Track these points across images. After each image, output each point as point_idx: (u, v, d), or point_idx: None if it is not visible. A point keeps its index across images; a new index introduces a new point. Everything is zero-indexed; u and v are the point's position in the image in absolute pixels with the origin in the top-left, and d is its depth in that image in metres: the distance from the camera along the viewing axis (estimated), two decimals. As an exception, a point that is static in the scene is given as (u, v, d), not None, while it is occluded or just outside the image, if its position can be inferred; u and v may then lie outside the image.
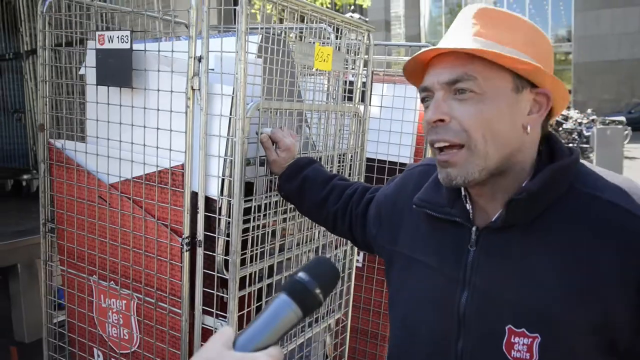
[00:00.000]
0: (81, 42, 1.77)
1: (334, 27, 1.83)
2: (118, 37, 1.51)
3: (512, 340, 0.87)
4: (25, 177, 3.88)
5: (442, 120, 0.90)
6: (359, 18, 1.96)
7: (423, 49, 0.94)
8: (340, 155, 1.89)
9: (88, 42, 1.66)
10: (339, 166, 1.89)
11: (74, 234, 1.76)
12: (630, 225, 0.83)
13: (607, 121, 13.35)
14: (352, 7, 14.01)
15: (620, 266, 0.82)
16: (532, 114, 0.92)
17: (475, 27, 0.92)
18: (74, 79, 1.75)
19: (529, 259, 0.88)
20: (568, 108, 19.52)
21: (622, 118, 15.29)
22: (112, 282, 1.69)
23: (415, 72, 1.00)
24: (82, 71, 1.71)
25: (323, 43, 1.89)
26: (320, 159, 1.77)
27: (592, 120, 14.04)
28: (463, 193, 0.99)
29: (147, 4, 3.39)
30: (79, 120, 1.74)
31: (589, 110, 15.54)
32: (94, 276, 1.73)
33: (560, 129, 13.98)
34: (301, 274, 0.77)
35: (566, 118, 14.35)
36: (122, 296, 1.67)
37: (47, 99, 1.77)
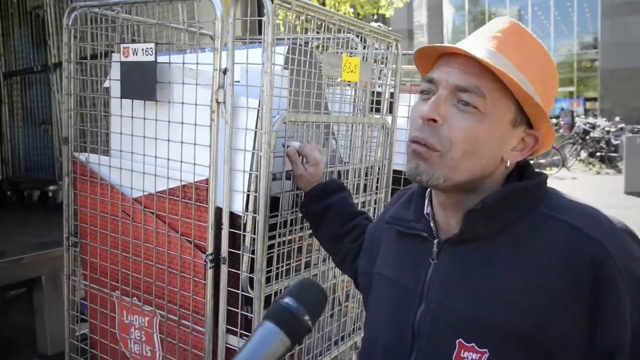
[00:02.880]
0: (107, 55, 1.76)
1: (361, 37, 1.79)
2: (142, 50, 1.49)
3: (461, 354, 0.86)
4: (51, 188, 3.90)
5: (434, 121, 0.87)
6: (379, 26, 1.92)
7: (454, 44, 0.90)
8: (367, 168, 1.84)
9: (113, 54, 1.65)
10: (365, 179, 1.84)
11: (97, 248, 1.73)
12: (582, 244, 0.82)
13: (636, 129, 13.03)
14: (375, 17, 13.99)
15: (572, 286, 0.81)
16: (515, 151, 0.92)
17: (502, 41, 0.90)
18: (99, 92, 1.74)
19: (485, 274, 0.87)
20: (595, 116, 19.18)
21: (653, 126, 14.90)
22: (134, 298, 1.66)
23: (425, 59, 0.97)
24: (106, 84, 1.70)
25: (350, 54, 1.85)
26: (347, 171, 1.72)
27: (621, 128, 13.74)
28: (426, 211, 1.00)
29: (172, 15, 3.40)
30: (103, 133, 1.72)
31: (617, 118, 15.20)
32: (117, 292, 1.70)
33: (588, 137, 13.72)
34: (287, 300, 0.73)
35: (593, 126, 14.07)
36: (145, 313, 1.64)
37: (72, 112, 1.76)
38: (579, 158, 14.01)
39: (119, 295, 1.70)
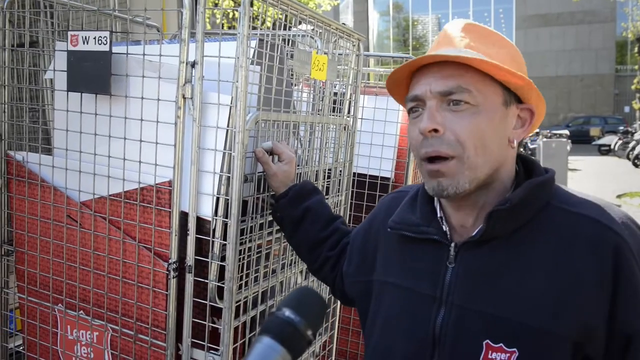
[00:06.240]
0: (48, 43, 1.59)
1: (329, 33, 1.72)
2: (95, 38, 1.35)
3: (489, 356, 0.85)
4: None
5: (436, 131, 0.88)
6: (343, 24, 1.87)
7: (422, 56, 0.90)
8: (326, 170, 1.78)
9: (57, 43, 1.49)
10: (327, 181, 1.79)
11: (36, 257, 1.56)
12: (603, 235, 0.84)
13: (550, 134, 13.88)
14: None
15: (596, 276, 0.82)
16: (516, 129, 0.93)
17: (464, 40, 0.93)
18: (39, 84, 1.57)
19: (507, 273, 0.87)
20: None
21: (566, 131, 15.93)
22: (81, 311, 1.50)
23: (397, 83, 0.98)
24: (49, 75, 1.53)
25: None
26: (315, 173, 1.65)
27: (537, 133, 14.57)
28: (439, 214, 0.98)
29: (103, 6, 3.18)
30: (45, 130, 1.56)
31: (532, 124, 16.10)
32: (60, 305, 1.54)
33: (506, 141, 14.44)
34: (287, 313, 0.67)
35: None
36: (94, 327, 1.49)
37: (6, 106, 1.58)
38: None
39: (62, 309, 1.54)
